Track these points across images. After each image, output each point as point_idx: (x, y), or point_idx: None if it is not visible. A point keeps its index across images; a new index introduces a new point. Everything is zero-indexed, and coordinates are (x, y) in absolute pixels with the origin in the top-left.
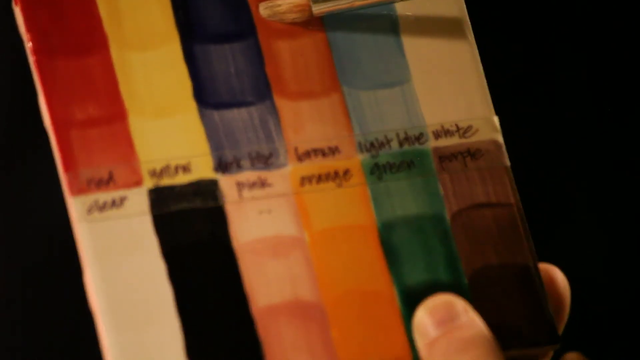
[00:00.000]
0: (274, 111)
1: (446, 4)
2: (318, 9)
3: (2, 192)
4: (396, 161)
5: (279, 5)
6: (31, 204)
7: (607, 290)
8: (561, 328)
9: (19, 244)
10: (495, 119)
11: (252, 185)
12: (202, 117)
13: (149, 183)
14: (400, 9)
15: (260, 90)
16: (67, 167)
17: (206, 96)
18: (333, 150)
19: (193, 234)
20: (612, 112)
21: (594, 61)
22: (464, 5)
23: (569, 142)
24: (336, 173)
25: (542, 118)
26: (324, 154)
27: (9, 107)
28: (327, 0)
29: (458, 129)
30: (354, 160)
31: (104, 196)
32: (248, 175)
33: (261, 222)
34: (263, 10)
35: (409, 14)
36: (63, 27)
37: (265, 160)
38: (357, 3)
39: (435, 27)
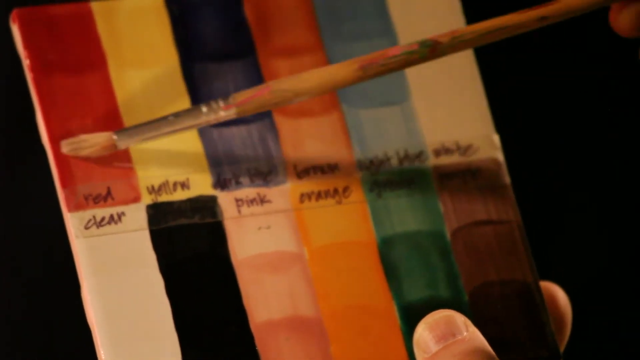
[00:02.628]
0: (273, 128)
1: (446, 21)
2: (124, 144)
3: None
4: (396, 179)
5: (84, 141)
6: (31, 217)
7: (607, 304)
8: (563, 345)
9: (19, 258)
10: (496, 137)
11: (251, 201)
12: (201, 134)
13: (147, 199)
14: (400, 27)
15: None
16: (65, 184)
17: None
18: (332, 168)
19: (191, 250)
20: (614, 125)
21: (596, 75)
22: (464, 22)
23: (571, 158)
24: (335, 190)
25: (543, 134)
26: (323, 171)
27: (7, 122)
28: (132, 135)
29: (458, 147)
30: (354, 178)
31: (102, 212)
32: (247, 191)
33: (260, 238)
34: (65, 147)
35: (409, 32)
36: (61, 45)
37: (264, 177)
38: (164, 131)
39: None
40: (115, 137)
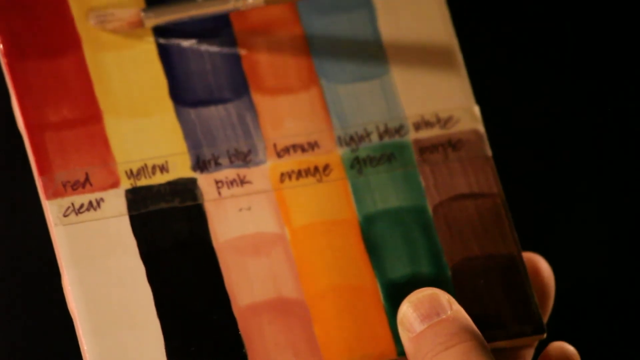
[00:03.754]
0: (252, 107)
1: (425, 13)
2: (151, 22)
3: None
4: (376, 154)
5: (112, 15)
6: (15, 206)
7: (595, 280)
8: (546, 317)
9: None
10: (476, 109)
11: (231, 183)
12: (179, 115)
13: (126, 184)
14: (383, 14)
15: (237, 86)
16: (42, 171)
17: (182, 94)
18: (312, 145)
19: (172, 234)
20: (594, 102)
21: (577, 49)
22: (447, 15)
23: (552, 131)
24: (316, 168)
25: (524, 106)
26: (303, 150)
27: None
28: (159, 14)
29: (438, 119)
30: (334, 155)
31: (81, 198)
32: (227, 173)
33: (241, 220)
34: (92, 19)
35: (388, 5)
36: (34, 29)
37: (244, 158)
38: (191, 12)
39: (414, 18)
40: (143, 13)
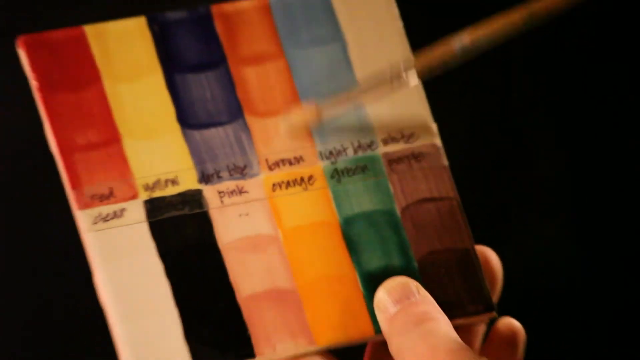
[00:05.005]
0: (246, 128)
1: (393, 47)
2: (327, 114)
3: (25, 207)
4: (352, 166)
5: (296, 116)
6: (50, 218)
7: (544, 266)
8: (496, 298)
9: (38, 254)
10: (434, 126)
11: (232, 192)
12: (185, 136)
13: (143, 195)
14: (347, 33)
15: (233, 111)
16: (74, 185)
17: (187, 118)
18: (298, 160)
19: (184, 237)
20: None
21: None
22: (401, 23)
23: (502, 141)
24: (302, 179)
25: (474, 119)
26: (290, 163)
27: (27, 134)
28: (332, 106)
29: (403, 135)
30: (317, 167)
31: (107, 209)
32: (227, 184)
33: (241, 224)
34: (282, 126)
35: (356, 36)
36: (62, 67)
37: (241, 171)
38: (358, 99)
39: (379, 52)
40: (320, 108)
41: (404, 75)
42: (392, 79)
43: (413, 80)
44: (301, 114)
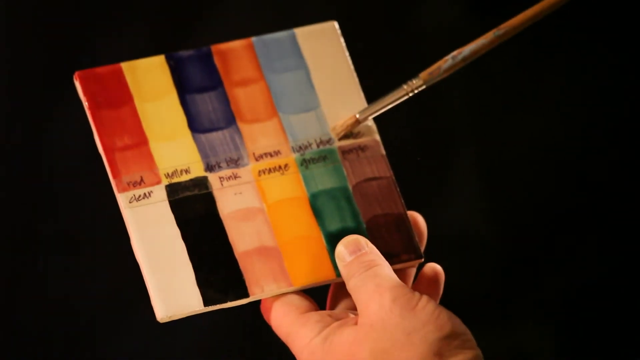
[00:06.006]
0: (238, 132)
1: (339, 70)
2: (363, 117)
3: (83, 195)
4: (316, 156)
5: (339, 126)
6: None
7: (469, 227)
8: (422, 248)
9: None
10: (374, 126)
11: (229, 178)
12: (194, 139)
13: (165, 182)
14: (310, 62)
15: (229, 119)
16: (115, 175)
17: (196, 126)
18: (276, 153)
19: (195, 211)
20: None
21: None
22: (345, 51)
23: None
24: (280, 166)
25: (403, 122)
26: (271, 155)
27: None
28: (365, 112)
29: (352, 134)
30: (290, 158)
31: (139, 192)
32: (225, 172)
33: (236, 200)
34: (332, 134)
35: (317, 65)
36: (105, 91)
37: (235, 162)
38: (384, 104)
39: (331, 73)
40: (357, 115)
41: (413, 84)
42: (407, 87)
43: (420, 84)
44: (344, 122)
